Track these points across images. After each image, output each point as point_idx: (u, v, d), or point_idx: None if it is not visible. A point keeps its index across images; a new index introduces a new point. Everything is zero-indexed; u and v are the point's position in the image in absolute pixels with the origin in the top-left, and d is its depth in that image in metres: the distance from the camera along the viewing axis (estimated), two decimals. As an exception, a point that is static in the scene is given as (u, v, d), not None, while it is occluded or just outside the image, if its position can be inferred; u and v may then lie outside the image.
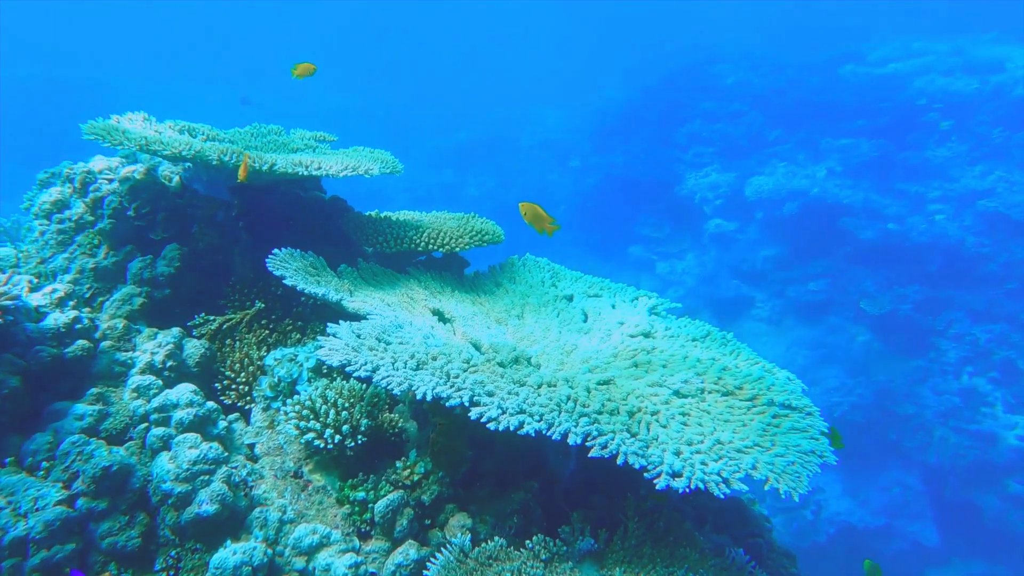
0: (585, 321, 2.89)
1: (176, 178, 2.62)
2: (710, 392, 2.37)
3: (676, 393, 2.27)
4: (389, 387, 1.86)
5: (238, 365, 2.26)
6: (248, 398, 2.22)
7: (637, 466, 1.84)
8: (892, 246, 9.62)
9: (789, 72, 12.82)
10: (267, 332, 2.43)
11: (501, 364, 2.19)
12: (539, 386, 2.12)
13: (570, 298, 3.02)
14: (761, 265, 11.12)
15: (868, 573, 3.17)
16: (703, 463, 1.91)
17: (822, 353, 10.10)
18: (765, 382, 2.47)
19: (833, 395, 9.51)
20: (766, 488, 1.92)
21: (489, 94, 23.91)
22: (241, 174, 2.06)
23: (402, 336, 2.19)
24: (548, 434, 1.87)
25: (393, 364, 1.97)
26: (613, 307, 2.99)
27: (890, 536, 8.34)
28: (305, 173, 2.32)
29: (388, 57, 28.39)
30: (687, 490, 1.82)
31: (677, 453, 1.93)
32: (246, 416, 2.19)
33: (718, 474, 1.87)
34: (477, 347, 2.59)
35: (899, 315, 9.45)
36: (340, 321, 2.11)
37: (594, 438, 1.89)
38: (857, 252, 9.85)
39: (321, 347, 1.96)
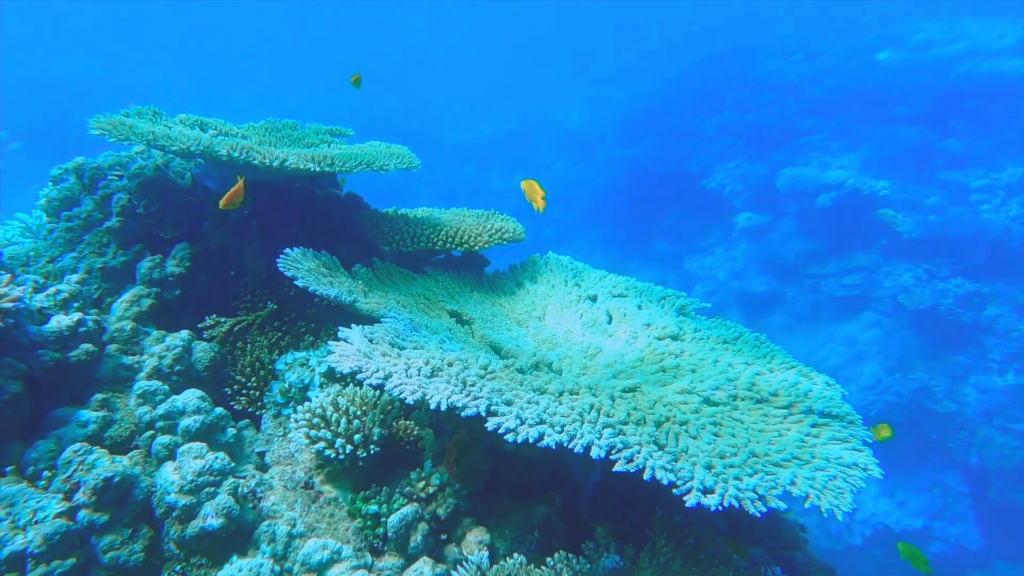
0: (610, 323, 2.75)
1: (188, 174, 2.56)
2: (743, 399, 2.22)
3: (707, 401, 2.13)
4: (402, 396, 1.76)
5: (249, 369, 2.19)
6: (259, 403, 2.14)
7: (665, 482, 1.71)
8: (933, 238, 9.22)
9: (824, 59, 12.36)
10: (279, 334, 2.36)
11: (520, 370, 2.07)
12: (560, 394, 2.00)
13: (594, 298, 2.89)
14: (793, 259, 10.79)
15: (905, 557, 2.94)
16: (737, 478, 1.77)
17: (857, 350, 9.76)
18: (802, 388, 2.31)
19: (869, 393, 9.20)
20: (806, 506, 1.78)
21: (513, 87, 23.72)
22: (223, 201, 1.96)
23: (417, 340, 2.09)
24: (570, 447, 1.75)
25: (406, 371, 1.87)
26: (639, 308, 2.85)
27: (929, 538, 8.03)
28: (317, 169, 2.23)
29: (410, 52, 28.35)
30: (720, 507, 1.69)
31: (708, 467, 1.79)
32: (257, 422, 2.12)
33: (753, 490, 1.73)
34: (496, 350, 2.48)
35: (940, 310, 9.06)
36: (352, 325, 2.01)
37: (619, 451, 1.77)
38: (895, 245, 9.47)
39: (332, 352, 1.87)
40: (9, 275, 1.91)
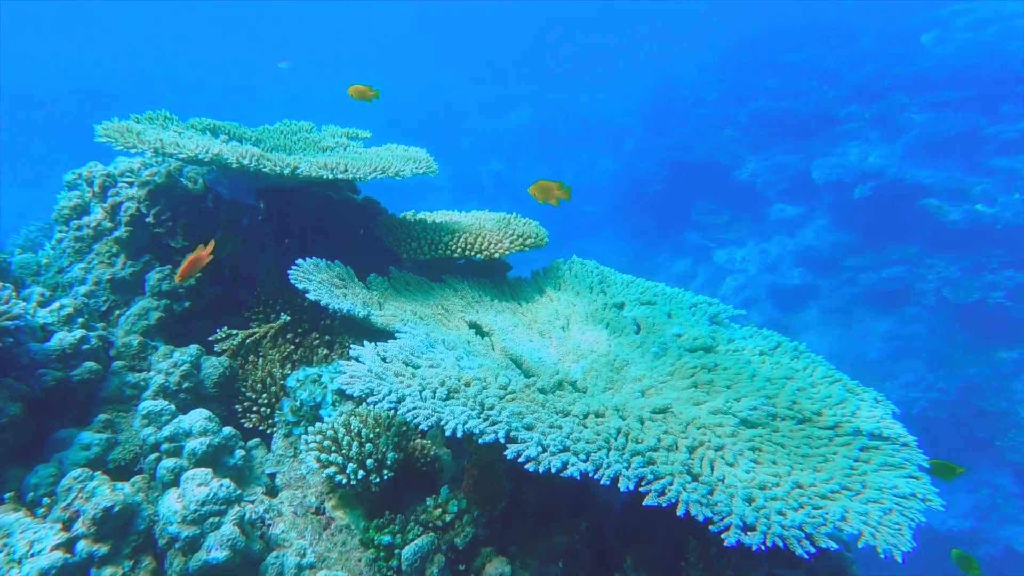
0: (637, 332, 2.60)
1: (200, 180, 2.49)
2: (783, 419, 2.06)
3: (744, 422, 1.97)
4: (415, 421, 1.65)
5: (260, 385, 2.11)
6: (270, 421, 2.06)
7: (701, 517, 1.57)
8: (981, 229, 8.76)
9: (863, 43, 11.81)
10: (292, 347, 2.27)
11: (542, 390, 1.94)
12: (585, 416, 1.87)
13: (620, 306, 2.74)
14: (829, 252, 10.42)
15: (959, 564, 2.75)
16: (780, 513, 1.61)
17: (897, 345, 9.38)
18: (848, 406, 2.13)
19: (910, 390, 8.85)
20: (859, 545, 1.62)
21: (539, 77, 23.41)
22: (180, 274, 1.86)
23: (433, 358, 1.98)
24: (596, 477, 1.62)
25: (420, 393, 1.75)
26: (668, 316, 2.69)
27: (978, 540, 7.69)
28: (330, 177, 2.13)
29: (434, 42, 28.22)
30: (763, 547, 1.54)
31: (748, 500, 1.64)
32: (267, 441, 2.04)
33: (799, 528, 1.58)
34: (517, 363, 2.36)
35: (989, 303, 8.63)
36: (365, 342, 1.91)
37: (649, 482, 1.63)
38: (939, 236, 9.03)
39: (343, 373, 1.77)
40: (12, 289, 1.85)
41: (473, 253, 2.52)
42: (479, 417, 1.72)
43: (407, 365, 1.89)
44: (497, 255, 2.54)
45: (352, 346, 1.87)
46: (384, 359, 1.88)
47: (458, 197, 17.15)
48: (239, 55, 26.73)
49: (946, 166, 9.19)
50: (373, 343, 1.90)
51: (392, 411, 1.69)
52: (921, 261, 9.42)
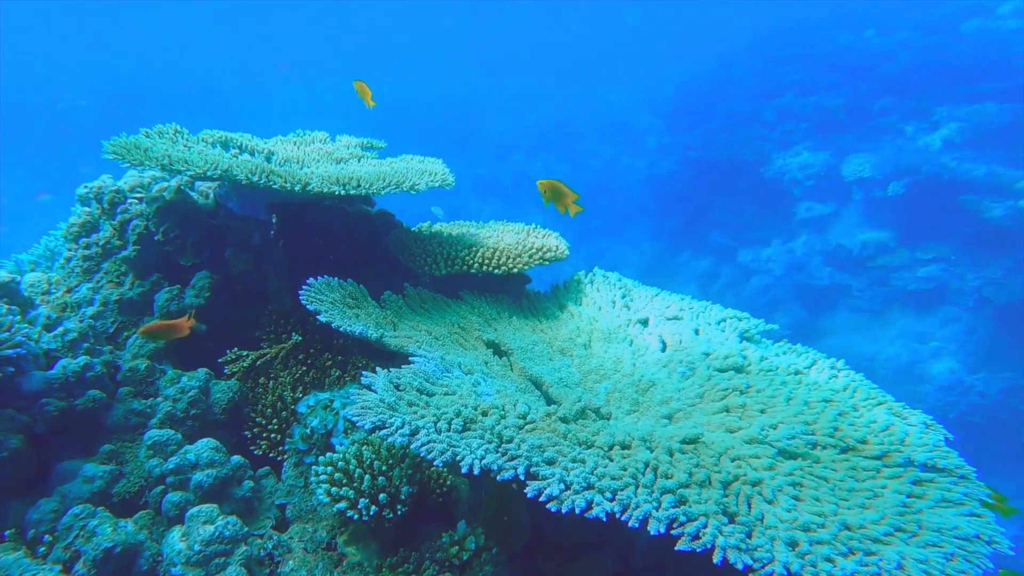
0: (663, 350, 2.47)
1: (211, 194, 2.43)
2: (824, 447, 1.91)
3: (782, 453, 1.83)
4: (430, 456, 1.55)
5: (270, 410, 2.03)
6: (280, 448, 1.98)
7: (740, 565, 1.44)
8: (1025, 226, 8.39)
9: (899, 33, 11.39)
10: (304, 368, 2.20)
11: (564, 419, 1.83)
12: (610, 448, 1.75)
13: (645, 322, 2.61)
14: (859, 251, 10.10)
15: None
16: (828, 560, 1.48)
17: (934, 347, 9.05)
18: (896, 432, 1.97)
19: (947, 394, 8.55)
20: (915, 597, 1.47)
21: (559, 75, 23.21)
22: (148, 329, 1.77)
23: (449, 384, 1.88)
24: (623, 519, 1.51)
25: (435, 424, 1.66)
26: (696, 333, 2.55)
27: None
28: (342, 192, 2.05)
29: (453, 42, 28.17)
30: (806, 599, 1.41)
31: (791, 544, 1.50)
32: (278, 469, 1.97)
33: (849, 577, 1.44)
34: (537, 385, 2.25)
35: (1033, 304, 8.27)
36: (377, 368, 1.82)
37: (681, 524, 1.50)
38: (980, 233, 8.67)
39: (354, 402, 1.68)
40: (18, 313, 1.81)
41: (491, 268, 2.42)
42: (497, 451, 1.62)
43: (421, 393, 1.79)
44: (516, 270, 2.44)
45: (364, 373, 1.78)
46: (397, 386, 1.79)
47: (477, 196, 17.06)
48: (254, 55, 26.99)
49: (988, 160, 8.81)
50: (386, 369, 1.81)
51: (406, 446, 1.60)
52: (959, 260, 9.07)
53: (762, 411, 2.07)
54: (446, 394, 1.83)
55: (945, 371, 8.74)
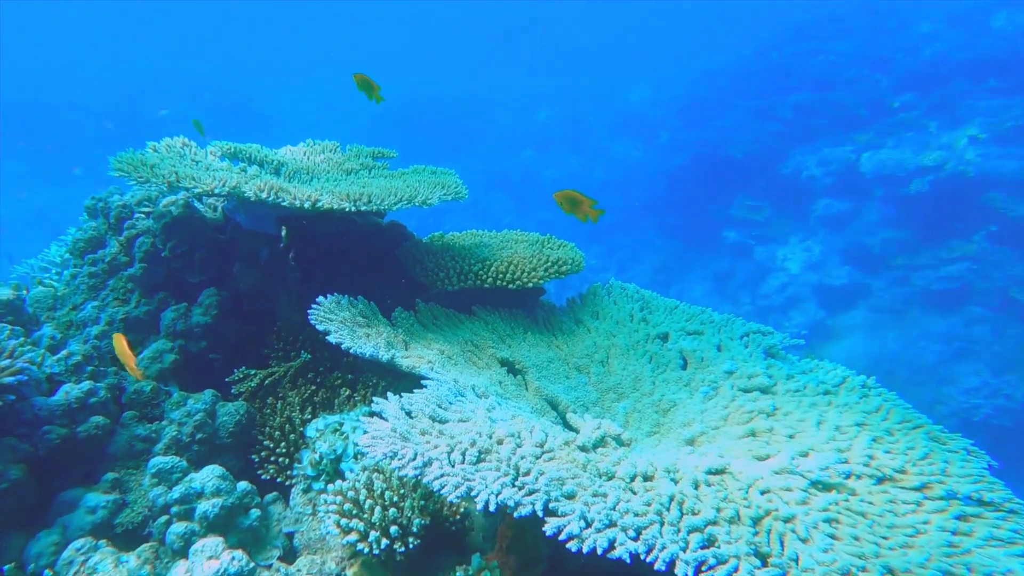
0: (684, 368, 2.38)
1: (220, 208, 2.37)
2: (859, 477, 1.81)
3: (814, 484, 1.73)
4: (444, 492, 1.48)
5: (278, 432, 1.97)
6: (288, 472, 1.92)
7: (772, 613, 1.35)
8: (1054, 224, 8.16)
9: (922, 27, 11.11)
10: (313, 388, 2.13)
11: (583, 448, 1.75)
12: (632, 479, 1.66)
13: (664, 337, 2.51)
14: (880, 249, 9.89)
15: None
16: (867, 607, 1.39)
17: (958, 348, 8.85)
18: (936, 461, 1.86)
19: (972, 396, 8.35)
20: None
21: (569, 69, 22.99)
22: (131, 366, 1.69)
23: (462, 409, 1.80)
24: (648, 560, 1.42)
25: (449, 455, 1.58)
26: (718, 349, 2.45)
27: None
28: (352, 209, 1.97)
29: (463, 38, 28.01)
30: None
31: (827, 589, 1.41)
32: (286, 495, 1.91)
33: (891, 628, 1.35)
34: (553, 405, 2.17)
35: (1062, 304, 8.05)
36: (388, 394, 1.74)
37: (711, 568, 1.42)
38: (1007, 232, 8.45)
39: (364, 432, 1.61)
40: (22, 336, 1.76)
41: (505, 283, 2.34)
42: (514, 485, 1.54)
43: (434, 420, 1.72)
44: (531, 284, 2.35)
45: (375, 399, 1.71)
46: (409, 413, 1.71)
47: (487, 192, 16.96)
48: (263, 54, 27.00)
49: (1015, 156, 8.56)
50: (397, 395, 1.74)
51: (418, 478, 1.53)
52: (985, 259, 8.85)
53: (791, 436, 1.98)
54: (460, 420, 1.75)
55: (970, 373, 8.55)
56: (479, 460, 1.60)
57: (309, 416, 2.03)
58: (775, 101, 11.55)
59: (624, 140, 16.70)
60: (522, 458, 1.64)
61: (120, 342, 1.70)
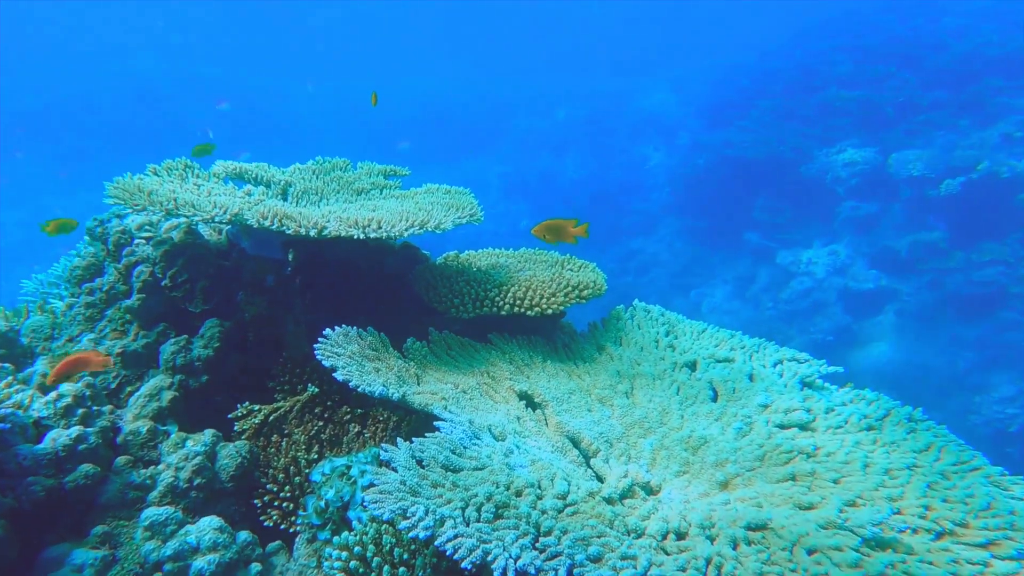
0: (714, 399, 2.22)
1: (224, 232, 2.27)
2: (915, 531, 1.65)
3: (867, 542, 1.57)
4: (457, 556, 1.35)
5: (282, 475, 1.86)
6: (292, 518, 1.81)
7: None
8: (1093, 226, 7.82)
9: (951, 20, 10.75)
10: (321, 424, 2.02)
11: (609, 500, 1.61)
12: (663, 536, 1.52)
13: (692, 365, 2.36)
14: (908, 252, 9.58)
15: None
16: None
17: (991, 355, 8.55)
18: (1001, 513, 1.69)
19: (1008, 406, 8.06)
20: None
21: (587, 69, 22.76)
22: (56, 373, 1.50)
23: (478, 455, 1.67)
24: (682, 638, 1.28)
25: (463, 512, 1.45)
26: (750, 378, 2.29)
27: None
28: (361, 236, 1.86)
29: (479, 40, 27.90)
30: None
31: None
32: (290, 543, 1.79)
33: None
34: (575, 442, 2.03)
35: (1102, 310, 7.71)
36: (398, 440, 1.62)
37: (754, 648, 1.27)
38: (1043, 235, 8.12)
39: (372, 483, 1.49)
40: (11, 374, 1.67)
41: (523, 310, 2.20)
42: (534, 547, 1.41)
43: (447, 470, 1.59)
44: (550, 311, 2.22)
45: (383, 446, 1.59)
46: (420, 462, 1.59)
47: (504, 196, 16.83)
48: (281, 57, 27.11)
49: (1052, 157, 8.24)
50: (408, 442, 1.61)
51: (429, 540, 1.40)
52: (1019, 262, 8.54)
53: (835, 481, 1.81)
54: (475, 469, 1.62)
55: (1005, 381, 8.25)
56: (496, 516, 1.47)
57: (315, 456, 1.91)
58: (798, 100, 11.27)
59: (644, 141, 16.46)
60: (543, 513, 1.51)
61: (59, 365, 1.55)
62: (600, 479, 1.77)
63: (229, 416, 1.98)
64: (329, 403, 2.07)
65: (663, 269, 12.91)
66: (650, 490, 1.74)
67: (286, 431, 1.99)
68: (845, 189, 10.20)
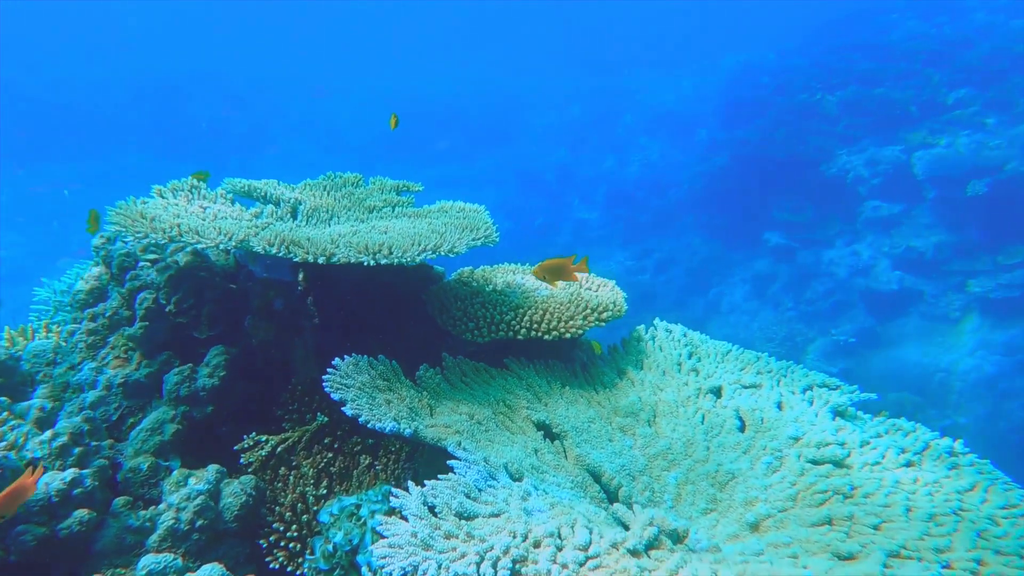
0: (742, 430, 2.11)
1: (231, 253, 2.19)
2: (964, 583, 1.53)
3: (913, 602, 1.46)
4: (470, 618, 1.26)
5: (289, 513, 1.78)
6: (300, 560, 1.73)
7: None
8: None
9: (976, 16, 10.42)
10: (330, 456, 1.94)
11: (633, 552, 1.51)
12: (693, 592, 1.42)
13: (717, 392, 2.25)
14: (933, 254, 9.35)
15: None
16: None
17: (1020, 359, 8.32)
18: (1056, 566, 1.57)
19: (1037, 412, 7.83)
20: None
21: (604, 64, 22.51)
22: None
23: (495, 499, 1.58)
24: None
25: (478, 569, 1.36)
26: (779, 407, 2.18)
27: None
28: (371, 263, 1.77)
29: (493, 35, 27.71)
30: None
31: None
32: (299, 586, 1.71)
33: None
34: (596, 476, 1.93)
35: None
36: (409, 484, 1.53)
37: None
38: (1075, 237, 7.86)
39: (380, 537, 1.40)
40: (7, 407, 1.60)
41: (540, 334, 2.11)
42: (554, 608, 1.31)
43: (461, 518, 1.50)
44: (568, 335, 2.12)
45: (393, 491, 1.50)
46: (432, 509, 1.50)
47: (520, 192, 16.72)
48: (296, 58, 27.12)
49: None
50: (419, 487, 1.52)
51: (441, 598, 1.31)
52: (1051, 265, 8.28)
53: (875, 527, 1.70)
54: (491, 516, 1.53)
55: (1035, 387, 8.02)
56: (513, 573, 1.38)
57: (324, 491, 1.83)
58: (819, 98, 11.01)
59: (661, 138, 16.26)
60: (563, 567, 1.41)
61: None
62: (624, 525, 1.67)
63: (235, 448, 1.91)
64: (339, 432, 1.99)
65: (680, 267, 12.72)
66: (678, 537, 1.64)
67: (294, 463, 1.91)
68: (867, 189, 9.96)
